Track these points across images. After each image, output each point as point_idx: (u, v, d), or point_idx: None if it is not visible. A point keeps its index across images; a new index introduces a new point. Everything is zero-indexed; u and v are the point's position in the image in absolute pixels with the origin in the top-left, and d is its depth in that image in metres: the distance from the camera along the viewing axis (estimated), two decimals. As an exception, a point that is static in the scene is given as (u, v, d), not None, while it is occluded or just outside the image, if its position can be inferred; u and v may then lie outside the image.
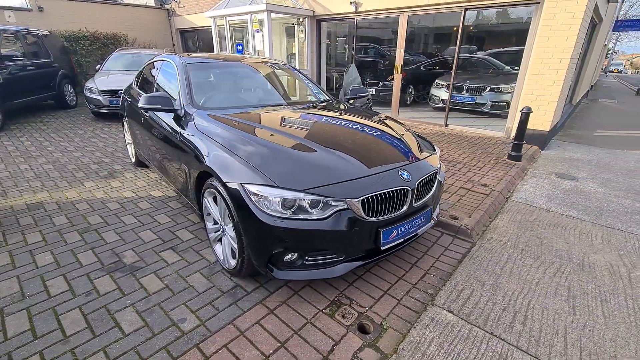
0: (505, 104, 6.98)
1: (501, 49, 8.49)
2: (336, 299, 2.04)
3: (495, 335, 1.81)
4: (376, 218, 1.85)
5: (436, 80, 7.93)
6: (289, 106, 2.97)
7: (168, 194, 3.51)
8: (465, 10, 5.95)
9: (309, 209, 1.74)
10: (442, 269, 2.37)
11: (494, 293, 2.14)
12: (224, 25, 8.63)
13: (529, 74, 5.40)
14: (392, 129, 2.55)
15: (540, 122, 5.41)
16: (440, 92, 7.70)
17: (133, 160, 4.31)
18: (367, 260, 1.94)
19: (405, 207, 1.97)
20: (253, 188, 1.76)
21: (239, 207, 1.82)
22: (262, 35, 7.53)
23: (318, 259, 1.84)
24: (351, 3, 7.10)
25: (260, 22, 7.49)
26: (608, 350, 1.73)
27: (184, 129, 2.46)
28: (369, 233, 1.86)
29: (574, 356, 1.69)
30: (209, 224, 2.36)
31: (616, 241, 2.82)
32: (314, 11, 7.97)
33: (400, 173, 1.97)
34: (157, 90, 3.24)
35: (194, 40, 13.00)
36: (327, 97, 3.44)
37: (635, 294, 2.18)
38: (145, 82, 3.75)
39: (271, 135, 2.16)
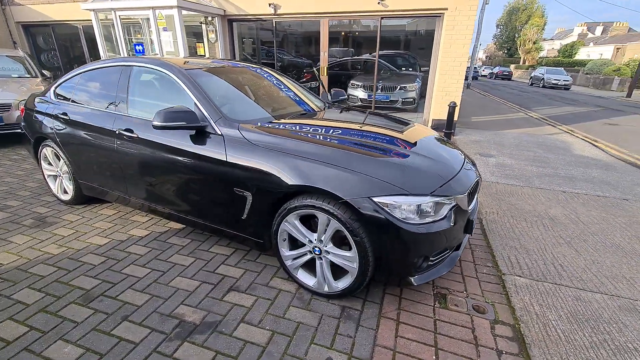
0: (412, 99, 8.20)
1: (396, 52, 9.83)
2: (435, 292, 2.16)
3: (557, 284, 2.28)
4: (470, 208, 2.06)
5: (351, 82, 8.61)
6: (315, 112, 2.85)
7: (157, 230, 2.84)
8: (381, 18, 6.69)
9: (432, 212, 1.79)
10: (480, 244, 2.76)
11: (528, 253, 2.65)
12: (112, 20, 7.15)
13: (438, 74, 6.51)
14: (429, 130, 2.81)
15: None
16: (358, 92, 8.42)
17: (67, 197, 3.25)
18: (460, 249, 2.13)
19: (476, 195, 2.24)
20: (386, 199, 1.70)
21: (368, 222, 1.72)
22: (173, 34, 6.62)
23: (438, 257, 1.92)
24: (270, 5, 6.98)
25: (168, 19, 6.56)
26: (611, 268, 2.43)
27: (230, 150, 2.07)
28: (465, 223, 2.05)
29: (605, 281, 2.30)
30: (285, 251, 2.09)
31: (552, 197, 3.82)
32: (224, 10, 7.46)
33: (468, 167, 2.23)
34: (130, 107, 2.57)
35: (48, 37, 10.25)
36: (327, 100, 3.43)
37: (594, 230, 3.05)
38: (88, 94, 2.89)
39: (355, 144, 2.07)
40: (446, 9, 6.07)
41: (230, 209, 2.18)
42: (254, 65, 3.30)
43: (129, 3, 6.58)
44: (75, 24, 9.27)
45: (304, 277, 2.09)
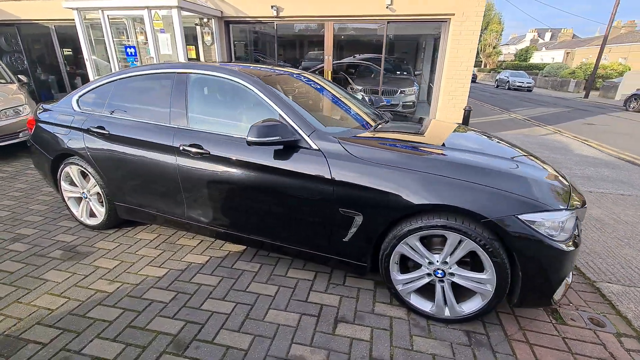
0: (411, 103, 8.28)
1: (390, 56, 9.90)
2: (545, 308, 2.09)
3: (647, 289, 2.30)
4: None
5: (350, 86, 8.53)
6: (390, 123, 2.69)
7: (216, 254, 2.55)
8: (387, 22, 6.67)
9: (569, 227, 1.71)
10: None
11: (601, 257, 2.67)
12: (92, 20, 6.55)
13: (445, 79, 6.60)
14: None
15: (458, 116, 6.74)
16: (357, 96, 8.34)
17: (95, 221, 2.85)
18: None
19: None
20: (532, 217, 1.59)
21: (514, 242, 1.61)
22: (171, 36, 6.17)
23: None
24: (272, 7, 6.73)
25: (165, 20, 6.10)
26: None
27: (335, 167, 1.86)
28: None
29: (689, 284, 2.36)
30: (397, 275, 1.92)
31: (594, 199, 3.95)
32: (222, 12, 7.10)
33: None
34: (193, 120, 2.27)
35: (12, 38, 9.23)
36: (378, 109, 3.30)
37: (636, 231, 3.17)
38: (129, 105, 2.55)
39: (471, 157, 1.94)
40: (453, 14, 6.17)
41: (330, 230, 1.98)
42: (296, 71, 3.08)
43: (119, 2, 6.04)
44: (46, 23, 8.41)
45: (418, 301, 1.93)
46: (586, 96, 20.17)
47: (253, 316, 1.94)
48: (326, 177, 1.88)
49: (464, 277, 1.78)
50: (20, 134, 5.02)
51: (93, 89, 2.73)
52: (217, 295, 2.11)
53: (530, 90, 24.88)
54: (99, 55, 7.73)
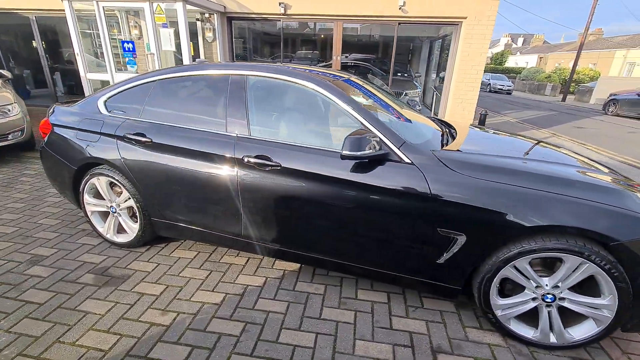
0: (416, 104, 8.24)
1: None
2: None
3: None
4: None
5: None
6: (457, 132, 2.53)
7: (270, 275, 2.31)
8: (398, 23, 6.57)
9: None
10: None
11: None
12: (86, 12, 6.04)
13: (455, 82, 6.59)
14: None
15: (468, 119, 6.75)
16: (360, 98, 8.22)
17: (125, 238, 2.54)
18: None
19: None
20: (661, 238, 1.49)
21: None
22: (174, 31, 5.77)
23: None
24: (280, 4, 6.46)
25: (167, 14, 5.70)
26: None
27: (435, 183, 1.69)
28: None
29: None
30: (498, 300, 1.77)
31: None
32: (224, 7, 6.75)
33: None
34: (255, 129, 2.03)
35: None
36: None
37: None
38: (173, 109, 2.26)
39: (572, 171, 1.82)
40: (465, 17, 6.15)
41: (422, 251, 1.80)
42: (343, 74, 2.88)
43: (116, -7, 5.59)
44: (25, 13, 7.71)
45: (519, 327, 1.79)
46: (563, 99, 21.10)
47: (341, 349, 1.73)
48: (424, 193, 1.70)
49: (577, 302, 1.66)
50: (10, 136, 4.51)
51: (124, 90, 2.41)
52: (291, 324, 1.89)
53: (510, 93, 25.75)
54: (84, 50, 7.16)
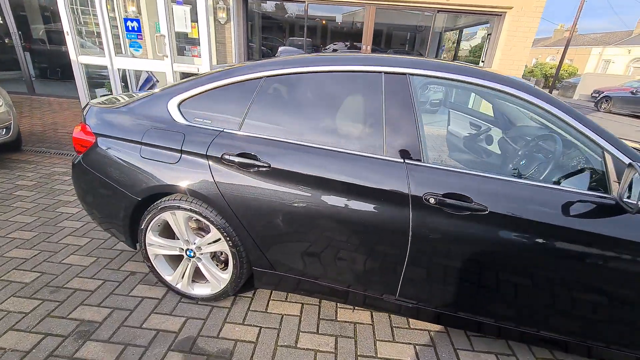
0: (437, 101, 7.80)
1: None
2: None
3: None
4: None
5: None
6: None
7: (414, 340, 1.76)
8: (437, 11, 6.01)
9: None
10: None
11: None
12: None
13: (493, 77, 6.16)
14: None
15: (504, 118, 6.37)
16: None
17: (205, 290, 1.88)
18: None
19: None
20: None
21: None
22: (190, 10, 4.89)
23: None
24: (307, -17, 5.70)
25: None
26: None
27: None
28: None
29: None
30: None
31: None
32: (242, -16, 5.89)
33: None
34: (428, 155, 1.44)
35: None
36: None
37: None
38: (291, 119, 1.61)
39: None
40: (511, 7, 5.69)
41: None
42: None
43: (119, -41, 4.60)
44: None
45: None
46: (549, 95, 21.56)
47: None
48: None
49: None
50: (-6, 136, 3.57)
51: (209, 90, 1.70)
52: None
53: (495, 87, 26.09)
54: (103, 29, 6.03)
